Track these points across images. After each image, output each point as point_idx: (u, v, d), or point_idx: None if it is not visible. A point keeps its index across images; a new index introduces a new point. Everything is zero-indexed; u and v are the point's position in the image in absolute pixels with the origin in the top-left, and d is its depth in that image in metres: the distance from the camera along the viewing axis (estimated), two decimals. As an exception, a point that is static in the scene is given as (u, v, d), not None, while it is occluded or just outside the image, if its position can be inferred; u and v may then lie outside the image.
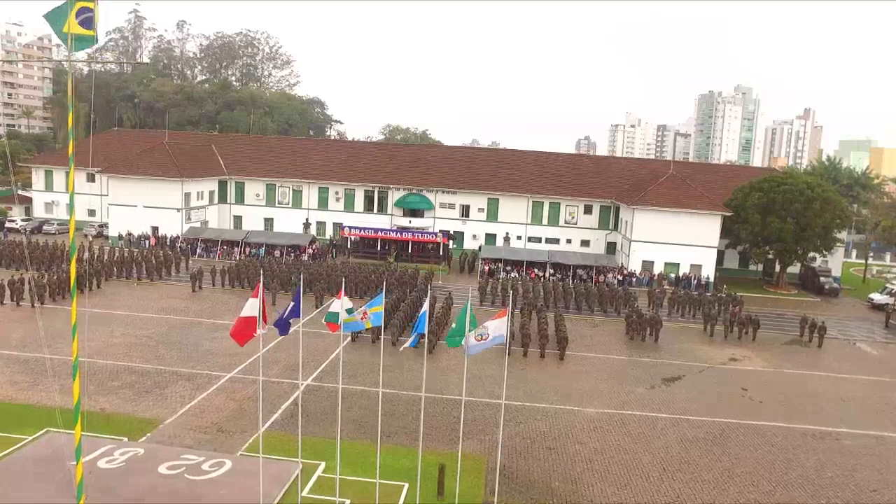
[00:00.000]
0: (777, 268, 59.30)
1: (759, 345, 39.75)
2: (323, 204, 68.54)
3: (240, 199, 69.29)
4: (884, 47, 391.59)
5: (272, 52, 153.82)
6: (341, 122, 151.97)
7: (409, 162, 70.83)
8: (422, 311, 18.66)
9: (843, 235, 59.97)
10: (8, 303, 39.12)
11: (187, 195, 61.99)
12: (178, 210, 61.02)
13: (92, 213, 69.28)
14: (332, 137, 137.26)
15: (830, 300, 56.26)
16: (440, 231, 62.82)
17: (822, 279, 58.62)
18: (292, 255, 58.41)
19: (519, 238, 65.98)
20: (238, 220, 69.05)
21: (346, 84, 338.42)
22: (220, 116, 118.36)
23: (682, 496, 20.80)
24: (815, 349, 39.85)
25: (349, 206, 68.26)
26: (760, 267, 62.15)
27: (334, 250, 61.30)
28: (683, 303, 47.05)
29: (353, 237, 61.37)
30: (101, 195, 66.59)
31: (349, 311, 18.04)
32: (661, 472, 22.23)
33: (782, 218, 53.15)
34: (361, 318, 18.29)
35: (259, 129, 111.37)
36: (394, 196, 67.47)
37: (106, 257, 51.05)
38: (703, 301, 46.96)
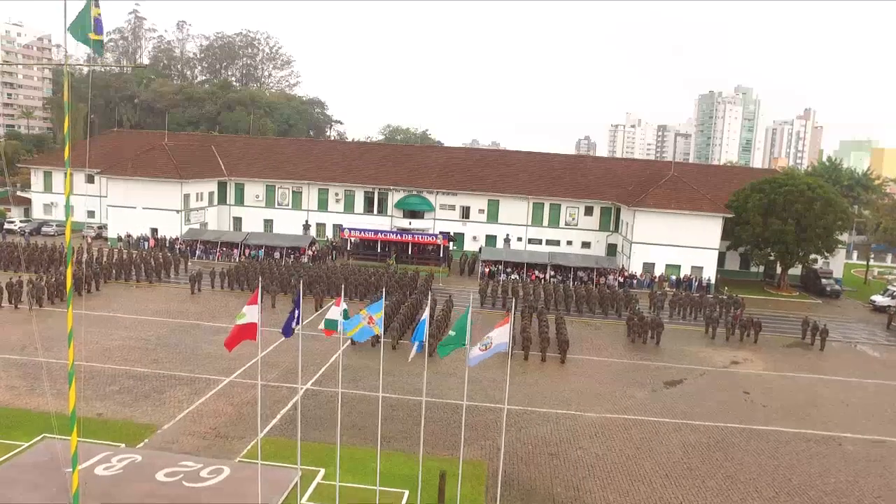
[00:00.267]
0: (778, 269, 59.14)
1: (761, 347, 39.57)
2: (323, 205, 68.35)
3: (239, 200, 69.10)
4: (884, 47, 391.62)
5: (272, 52, 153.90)
6: (341, 123, 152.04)
7: (410, 163, 70.63)
8: (421, 319, 18.46)
9: (844, 237, 59.78)
10: (6, 305, 38.93)
11: (186, 196, 61.82)
12: (178, 211, 60.84)
13: (91, 214, 69.08)
14: (333, 138, 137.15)
15: (832, 302, 56.08)
16: (440, 233, 62.63)
17: (823, 281, 58.44)
18: (292, 256, 58.23)
19: (519, 240, 65.79)
20: (238, 221, 68.87)
21: (346, 84, 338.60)
22: (220, 117, 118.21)
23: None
24: (816, 352, 39.66)
25: (349, 208, 68.07)
26: (761, 268, 62.00)
27: (334, 252, 61.12)
28: (684, 305, 46.88)
29: (352, 239, 61.17)
30: (101, 196, 66.46)
31: (345, 316, 17.93)
32: (663, 479, 22.04)
33: (783, 219, 52.97)
34: (368, 323, 18.17)
35: (259, 129, 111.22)
36: (394, 197, 67.29)
37: (105, 259, 50.85)
38: (704, 303, 46.79)
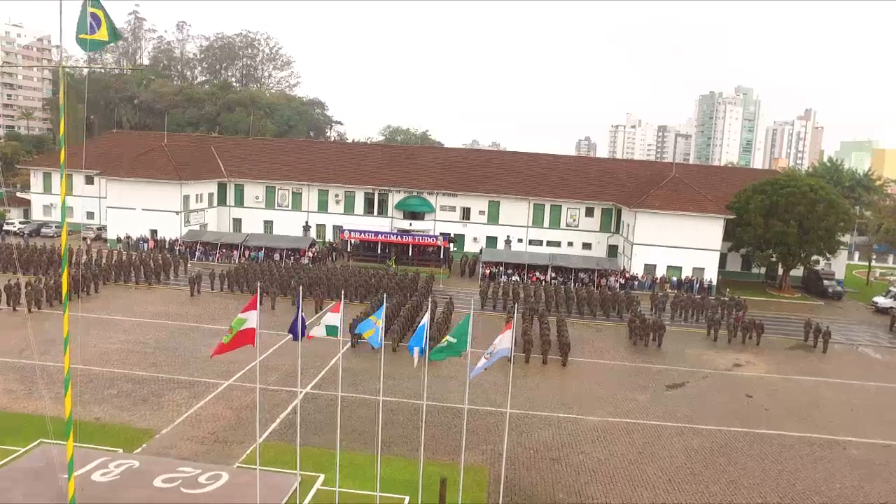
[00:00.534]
0: (780, 271, 58.91)
1: (763, 350, 39.35)
2: (323, 206, 68.14)
3: (239, 201, 68.90)
4: (884, 48, 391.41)
5: (272, 52, 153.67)
6: (341, 123, 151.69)
7: (410, 164, 70.42)
8: (420, 324, 18.27)
9: (846, 238, 59.56)
10: (4, 307, 38.72)
11: (186, 198, 61.62)
12: (177, 213, 60.64)
13: (90, 215, 68.91)
14: (333, 138, 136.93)
15: (834, 303, 55.85)
16: (441, 234, 62.41)
17: (825, 282, 58.22)
18: (292, 258, 58.02)
19: (520, 241, 65.58)
20: (237, 222, 68.66)
21: (346, 85, 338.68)
22: (220, 118, 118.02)
23: (688, 509, 20.42)
24: (819, 354, 39.44)
25: (349, 209, 67.87)
26: (763, 270, 61.77)
27: (334, 254, 60.91)
28: (686, 307, 46.66)
29: (352, 240, 60.95)
30: (100, 197, 66.29)
31: (329, 329, 17.97)
32: (666, 484, 21.82)
33: (785, 221, 52.75)
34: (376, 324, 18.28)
35: (259, 130, 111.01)
36: (394, 199, 67.08)
37: (104, 261, 50.64)
38: (706, 305, 46.57)
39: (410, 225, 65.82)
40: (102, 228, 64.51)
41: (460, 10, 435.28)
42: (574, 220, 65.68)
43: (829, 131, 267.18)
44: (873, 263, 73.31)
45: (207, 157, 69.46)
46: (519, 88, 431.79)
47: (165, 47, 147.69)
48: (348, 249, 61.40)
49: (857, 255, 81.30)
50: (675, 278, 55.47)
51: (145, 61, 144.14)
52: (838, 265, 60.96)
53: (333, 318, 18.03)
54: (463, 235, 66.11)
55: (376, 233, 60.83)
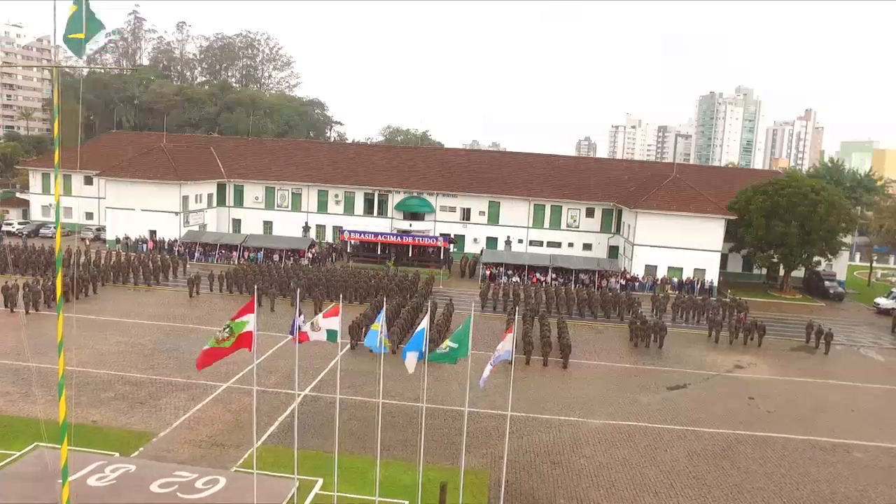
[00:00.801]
0: (781, 272, 58.67)
1: (765, 351, 39.12)
2: (322, 207, 67.94)
3: (239, 202, 68.71)
4: (885, 48, 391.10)
5: (272, 53, 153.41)
6: (341, 124, 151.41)
7: (410, 164, 70.22)
8: (419, 328, 18.04)
9: (847, 239, 59.34)
10: (2, 309, 38.50)
11: (185, 198, 61.41)
12: (177, 213, 60.43)
13: (89, 216, 68.72)
14: (333, 139, 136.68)
15: (835, 305, 55.63)
16: (441, 235, 62.18)
17: (826, 283, 58.00)
18: (291, 259, 57.80)
19: (520, 242, 65.37)
20: (237, 223, 68.46)
21: (346, 85, 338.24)
22: (220, 118, 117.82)
23: (690, 513, 20.19)
24: (821, 356, 39.22)
25: (349, 210, 67.66)
26: (764, 271, 61.54)
27: (334, 254, 60.70)
28: (687, 308, 46.42)
29: (352, 241, 60.73)
30: (99, 198, 66.09)
31: (329, 333, 17.87)
32: (668, 489, 21.59)
33: (786, 221, 52.51)
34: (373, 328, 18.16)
35: (259, 130, 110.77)
36: (394, 199, 66.87)
37: (103, 262, 50.42)
38: (707, 306, 46.33)
39: (410, 226, 65.61)
40: (101, 229, 64.30)
41: (460, 10, 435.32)
42: (574, 221, 65.45)
43: (829, 132, 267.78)
44: (874, 264, 73.06)
45: (207, 157, 69.26)
46: (519, 88, 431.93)
47: (165, 48, 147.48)
48: (348, 250, 61.18)
49: (858, 256, 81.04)
50: (675, 279, 55.25)
51: (145, 62, 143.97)
52: (840, 266, 60.71)
53: (332, 322, 17.80)
54: (463, 236, 65.88)
55: (376, 233, 60.62)
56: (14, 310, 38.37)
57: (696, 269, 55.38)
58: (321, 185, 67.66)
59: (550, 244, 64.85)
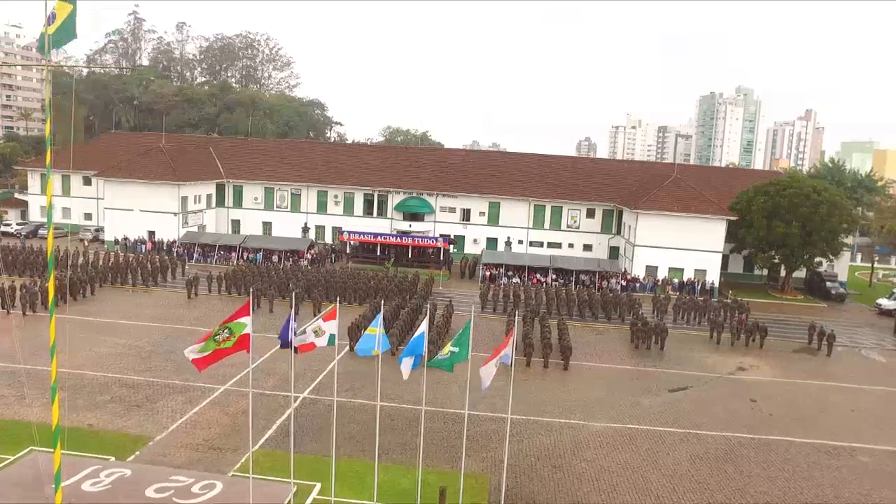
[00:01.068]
0: (782, 272, 58.42)
1: (767, 353, 38.87)
2: (322, 208, 67.68)
3: (238, 202, 68.45)
4: (885, 48, 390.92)
5: (272, 53, 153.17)
6: (341, 124, 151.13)
7: (410, 165, 69.97)
8: (418, 333, 17.79)
9: (848, 240, 59.09)
10: (-1, 310, 38.28)
11: (184, 199, 61.17)
12: (175, 214, 60.18)
13: (88, 216, 68.46)
14: (332, 139, 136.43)
15: (837, 305, 55.38)
16: (440, 235, 61.93)
17: (828, 284, 57.75)
18: (290, 259, 57.55)
19: (520, 242, 65.11)
20: (236, 224, 68.20)
21: (346, 86, 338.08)
22: (220, 118, 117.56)
23: (693, 518, 19.94)
24: (823, 357, 38.97)
25: (348, 210, 67.41)
26: (765, 272, 61.29)
27: (333, 255, 60.44)
28: (689, 309, 46.16)
29: (352, 242, 60.47)
30: (98, 199, 65.84)
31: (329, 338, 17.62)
32: (670, 493, 21.33)
33: (788, 222, 52.26)
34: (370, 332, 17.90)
35: (259, 131, 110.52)
36: (394, 200, 66.62)
37: (101, 262, 50.17)
38: (708, 307, 46.07)
39: (410, 226, 65.34)
40: (100, 230, 64.05)
41: (460, 11, 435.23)
42: (575, 222, 65.20)
43: (829, 132, 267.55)
44: (876, 265, 72.81)
45: (206, 157, 68.99)
46: (519, 88, 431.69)
47: (165, 48, 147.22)
48: (347, 251, 60.93)
49: (859, 257, 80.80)
50: (676, 280, 55.00)
51: (145, 62, 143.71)
52: (841, 267, 60.46)
53: (331, 326, 17.59)
54: (463, 237, 65.61)
55: (376, 234, 60.38)
56: (11, 311, 38.11)
57: (696, 270, 55.13)
58: (320, 185, 67.40)
59: (551, 245, 64.59)
